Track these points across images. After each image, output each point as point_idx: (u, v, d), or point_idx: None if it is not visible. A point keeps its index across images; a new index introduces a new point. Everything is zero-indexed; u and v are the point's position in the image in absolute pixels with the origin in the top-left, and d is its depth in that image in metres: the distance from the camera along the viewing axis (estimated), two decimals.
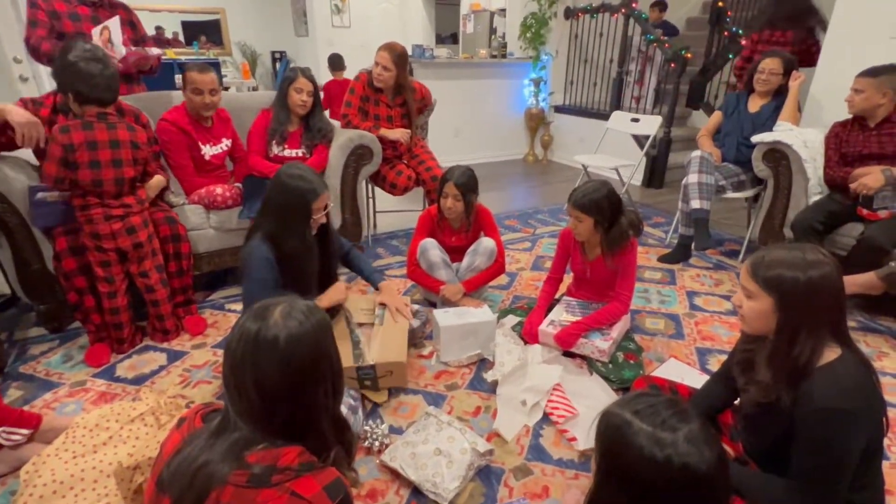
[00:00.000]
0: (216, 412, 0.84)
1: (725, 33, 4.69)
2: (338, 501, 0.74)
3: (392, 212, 3.48)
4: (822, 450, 0.93)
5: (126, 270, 1.90)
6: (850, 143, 2.31)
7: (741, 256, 2.83)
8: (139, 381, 1.80)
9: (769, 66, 2.64)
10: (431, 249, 2.12)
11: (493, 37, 5.25)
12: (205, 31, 6.40)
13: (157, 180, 2.03)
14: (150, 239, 1.92)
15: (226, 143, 2.37)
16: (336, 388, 0.85)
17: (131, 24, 2.41)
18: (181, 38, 6.31)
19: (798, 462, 0.98)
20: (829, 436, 0.92)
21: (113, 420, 1.38)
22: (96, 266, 1.82)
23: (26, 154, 1.92)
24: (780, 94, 2.67)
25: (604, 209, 1.78)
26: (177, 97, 2.40)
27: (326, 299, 1.77)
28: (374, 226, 3.28)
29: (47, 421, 1.43)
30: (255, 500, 0.71)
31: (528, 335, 1.94)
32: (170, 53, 5.55)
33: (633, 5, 4.23)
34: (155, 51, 2.47)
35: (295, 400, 0.78)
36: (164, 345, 2.00)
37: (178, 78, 5.41)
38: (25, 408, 1.56)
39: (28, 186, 1.81)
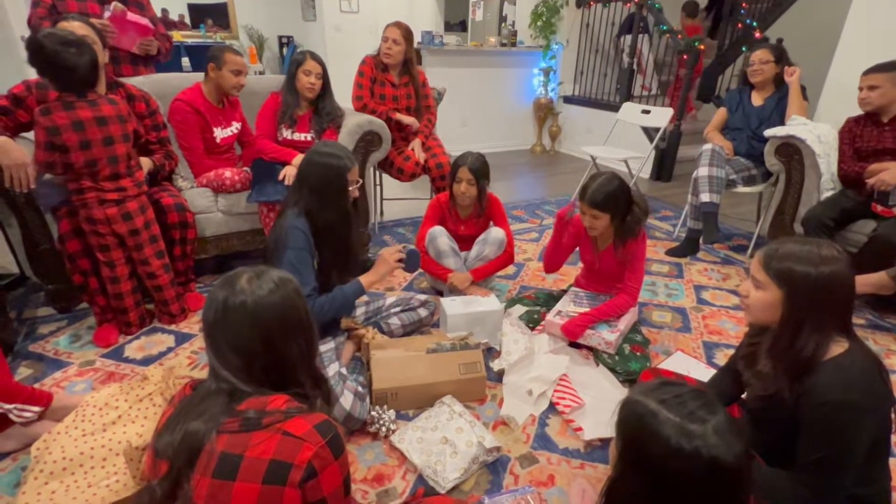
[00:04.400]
0: (204, 382, 0.88)
1: (739, 25, 4.63)
2: (329, 438, 0.76)
3: (399, 199, 3.47)
4: (828, 443, 0.93)
5: (127, 256, 1.86)
6: (863, 139, 2.28)
7: (749, 251, 2.82)
8: (147, 362, 1.81)
9: (759, 56, 2.62)
10: (440, 237, 2.11)
11: (502, 25, 5.19)
12: (211, 14, 6.35)
13: (144, 161, 1.96)
14: (148, 225, 1.86)
15: (235, 127, 2.37)
16: (309, 342, 0.90)
17: (139, 5, 2.38)
18: (187, 20, 6.26)
19: (804, 455, 0.97)
20: (835, 429, 0.92)
21: (122, 399, 1.39)
22: (96, 250, 1.80)
23: (32, 134, 1.89)
24: (781, 84, 2.64)
25: (619, 203, 1.76)
26: (184, 80, 2.38)
27: (375, 274, 1.72)
28: (381, 213, 3.27)
29: (58, 399, 1.44)
30: (248, 443, 0.74)
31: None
32: (176, 36, 5.50)
33: None
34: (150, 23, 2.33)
35: (268, 355, 0.84)
36: (173, 327, 2.01)
37: (184, 61, 5.38)
38: (35, 386, 1.57)
39: None
